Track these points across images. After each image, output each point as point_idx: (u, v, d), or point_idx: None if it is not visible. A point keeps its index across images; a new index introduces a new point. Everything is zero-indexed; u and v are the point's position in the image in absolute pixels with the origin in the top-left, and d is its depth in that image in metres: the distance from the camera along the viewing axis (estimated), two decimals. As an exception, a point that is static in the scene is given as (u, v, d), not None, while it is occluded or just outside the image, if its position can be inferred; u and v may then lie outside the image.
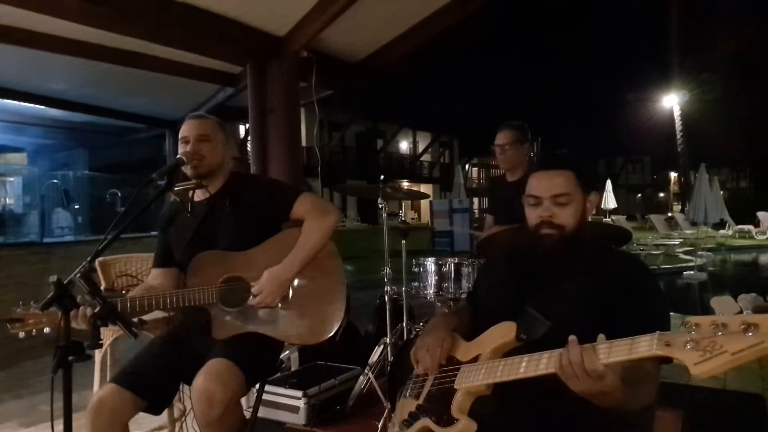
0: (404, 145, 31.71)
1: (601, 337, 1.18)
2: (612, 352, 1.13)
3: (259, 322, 1.97)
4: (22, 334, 1.74)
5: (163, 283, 2.10)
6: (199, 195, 2.11)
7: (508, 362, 1.34)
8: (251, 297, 1.95)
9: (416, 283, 3.19)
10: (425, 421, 1.48)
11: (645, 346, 1.08)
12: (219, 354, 1.84)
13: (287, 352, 3.33)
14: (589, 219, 1.61)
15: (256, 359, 1.94)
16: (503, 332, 1.42)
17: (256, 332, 1.96)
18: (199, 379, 1.76)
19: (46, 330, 1.73)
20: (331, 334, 2.03)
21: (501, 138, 3.19)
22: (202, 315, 1.97)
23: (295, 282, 2.02)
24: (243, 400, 2.99)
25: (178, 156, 1.98)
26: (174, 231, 2.14)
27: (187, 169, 2.00)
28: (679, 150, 26.75)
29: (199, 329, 1.98)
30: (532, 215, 1.53)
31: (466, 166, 32.43)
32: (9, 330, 1.73)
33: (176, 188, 2.01)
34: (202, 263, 1.98)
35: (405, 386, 1.68)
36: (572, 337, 1.18)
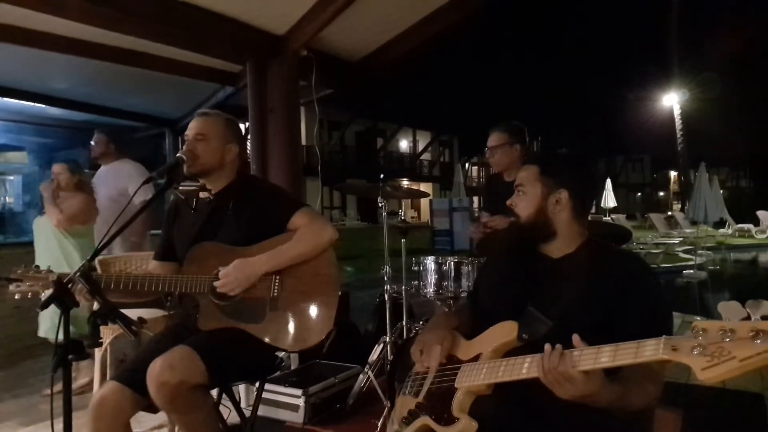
0: (404, 144, 31.70)
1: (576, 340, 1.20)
2: (617, 356, 1.12)
3: (245, 319, 1.95)
4: (17, 296, 1.77)
5: (160, 274, 2.10)
6: (203, 192, 2.11)
7: (510, 362, 1.34)
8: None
9: (416, 282, 3.19)
10: (425, 419, 1.48)
11: (651, 350, 1.07)
12: (187, 342, 1.84)
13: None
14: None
15: (231, 354, 1.91)
16: (504, 332, 1.41)
17: (240, 329, 1.94)
18: (155, 363, 1.75)
19: (42, 295, 1.77)
20: (315, 343, 2.00)
21: (490, 141, 3.19)
22: (196, 309, 1.97)
23: (289, 286, 2.00)
24: (243, 400, 3.01)
25: (177, 155, 1.98)
26: (178, 227, 2.15)
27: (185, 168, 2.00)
28: (678, 149, 26.76)
29: (195, 324, 1.97)
30: None
31: (466, 164, 32.42)
32: (8, 289, 1.76)
33: (181, 188, 2.01)
34: (202, 253, 1.99)
35: (404, 384, 1.68)
36: (547, 345, 1.22)
